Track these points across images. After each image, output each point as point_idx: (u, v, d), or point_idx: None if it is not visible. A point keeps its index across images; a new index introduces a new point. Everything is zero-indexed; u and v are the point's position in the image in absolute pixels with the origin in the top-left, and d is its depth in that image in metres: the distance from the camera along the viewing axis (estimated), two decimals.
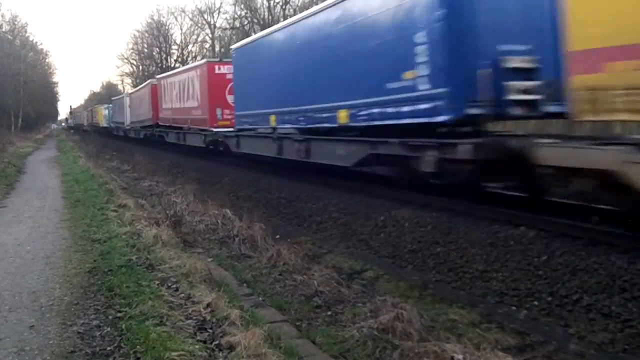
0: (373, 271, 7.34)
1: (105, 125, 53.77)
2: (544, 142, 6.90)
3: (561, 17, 6.54)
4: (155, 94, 28.27)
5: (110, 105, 51.39)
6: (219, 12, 54.07)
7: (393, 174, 10.41)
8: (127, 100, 38.70)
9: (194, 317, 4.72)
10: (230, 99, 18.80)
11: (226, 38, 49.97)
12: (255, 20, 44.76)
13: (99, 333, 4.47)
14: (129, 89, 58.94)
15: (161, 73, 45.39)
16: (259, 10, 45.44)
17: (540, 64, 7.98)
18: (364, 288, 6.70)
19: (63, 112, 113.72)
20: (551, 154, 6.63)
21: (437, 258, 7.41)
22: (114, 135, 47.29)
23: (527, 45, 8.07)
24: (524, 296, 5.99)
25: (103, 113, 55.47)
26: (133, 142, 36.73)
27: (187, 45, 60.54)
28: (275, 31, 14.90)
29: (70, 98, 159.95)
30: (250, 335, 4.19)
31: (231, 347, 4.10)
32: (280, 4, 43.44)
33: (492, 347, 4.68)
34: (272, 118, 14.44)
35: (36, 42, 58.36)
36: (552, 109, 7.94)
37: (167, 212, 9.45)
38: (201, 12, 55.58)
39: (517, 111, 7.99)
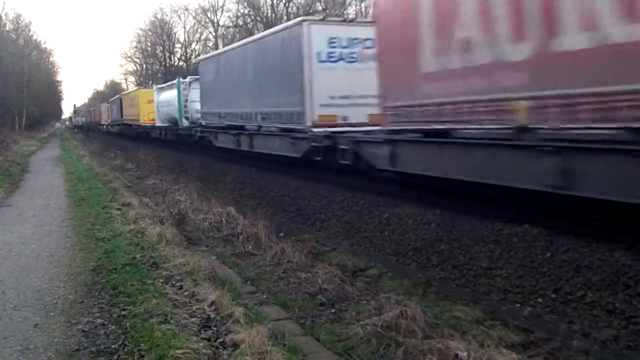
0: (377, 269, 7.34)
1: (165, 124, 29.24)
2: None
3: None
4: None
5: (192, 79, 24.70)
6: (222, 10, 54.12)
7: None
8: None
9: (198, 315, 4.72)
10: None
11: (229, 36, 49.93)
12: (259, 18, 44.71)
13: (103, 331, 4.49)
14: (132, 88, 57.52)
15: (165, 72, 44.77)
16: (262, 8, 45.42)
17: None
18: (368, 285, 6.70)
19: (67, 111, 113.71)
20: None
21: (440, 255, 7.41)
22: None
23: None
24: (528, 293, 5.99)
25: (159, 99, 29.82)
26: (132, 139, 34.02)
27: (190, 44, 60.69)
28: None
29: (74, 97, 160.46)
30: (254, 333, 4.19)
31: (235, 345, 4.10)
32: (284, 1, 43.37)
33: (496, 344, 4.67)
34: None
35: (40, 41, 58.12)
36: None
37: (171, 210, 9.45)
38: (204, 11, 55.77)
39: None
